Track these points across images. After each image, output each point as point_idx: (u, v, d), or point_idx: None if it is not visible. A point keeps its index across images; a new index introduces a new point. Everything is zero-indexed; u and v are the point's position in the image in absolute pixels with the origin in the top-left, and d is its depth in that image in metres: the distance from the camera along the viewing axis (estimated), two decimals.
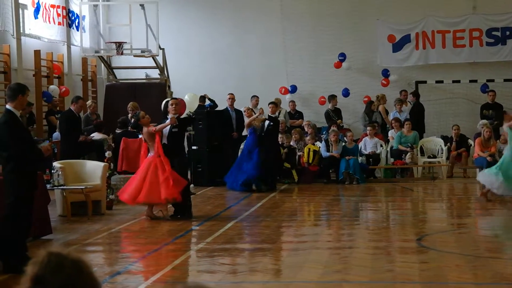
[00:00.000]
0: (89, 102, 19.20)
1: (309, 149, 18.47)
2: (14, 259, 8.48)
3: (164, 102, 14.46)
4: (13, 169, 8.63)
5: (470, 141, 19.54)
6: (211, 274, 8.52)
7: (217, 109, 18.87)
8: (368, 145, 19.17)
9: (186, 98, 20.86)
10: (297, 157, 18.55)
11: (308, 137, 18.98)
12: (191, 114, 15.37)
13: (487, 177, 14.46)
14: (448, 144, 19.77)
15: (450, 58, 23.03)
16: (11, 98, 8.76)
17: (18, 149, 8.62)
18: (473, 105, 22.69)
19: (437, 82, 23.20)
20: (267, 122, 17.25)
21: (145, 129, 12.91)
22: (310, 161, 18.37)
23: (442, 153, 19.55)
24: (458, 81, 23.06)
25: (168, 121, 12.90)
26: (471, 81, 22.97)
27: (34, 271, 2.52)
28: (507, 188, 14.17)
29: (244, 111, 17.81)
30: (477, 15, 22.88)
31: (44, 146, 9.53)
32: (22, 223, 8.75)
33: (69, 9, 21.47)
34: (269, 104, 19.27)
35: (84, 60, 22.37)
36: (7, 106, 8.82)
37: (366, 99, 22.29)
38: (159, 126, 12.93)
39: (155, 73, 22.59)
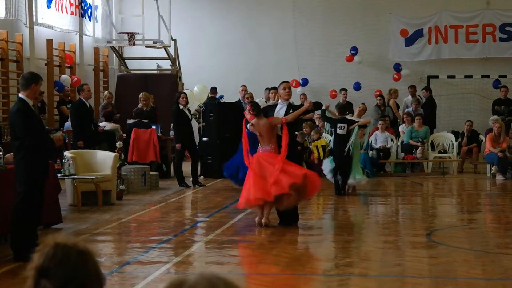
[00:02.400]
0: (106, 93, 19.39)
1: (317, 145, 18.40)
2: (24, 248, 8.52)
3: (177, 94, 14.37)
4: (25, 158, 8.66)
5: (481, 137, 19.49)
6: (220, 265, 8.53)
7: (229, 101, 18.74)
8: (379, 139, 19.15)
9: (195, 89, 20.88)
10: (308, 151, 18.51)
11: (312, 133, 18.78)
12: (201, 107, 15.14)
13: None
14: (459, 139, 19.72)
15: (462, 53, 22.93)
16: (24, 87, 8.79)
17: (30, 138, 8.64)
18: (485, 100, 22.60)
19: (449, 77, 23.11)
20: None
21: (263, 120, 11.06)
22: (321, 157, 18.32)
23: (452, 148, 19.51)
24: (470, 77, 22.96)
25: (305, 106, 11.19)
26: (483, 76, 22.87)
27: (40, 262, 2.52)
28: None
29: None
30: (491, 10, 22.77)
31: (56, 136, 9.56)
32: (33, 212, 8.79)
33: None
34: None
35: (96, 50, 22.40)
36: (20, 95, 8.85)
37: (377, 93, 22.24)
38: (292, 114, 11.05)
39: (166, 64, 22.63)
